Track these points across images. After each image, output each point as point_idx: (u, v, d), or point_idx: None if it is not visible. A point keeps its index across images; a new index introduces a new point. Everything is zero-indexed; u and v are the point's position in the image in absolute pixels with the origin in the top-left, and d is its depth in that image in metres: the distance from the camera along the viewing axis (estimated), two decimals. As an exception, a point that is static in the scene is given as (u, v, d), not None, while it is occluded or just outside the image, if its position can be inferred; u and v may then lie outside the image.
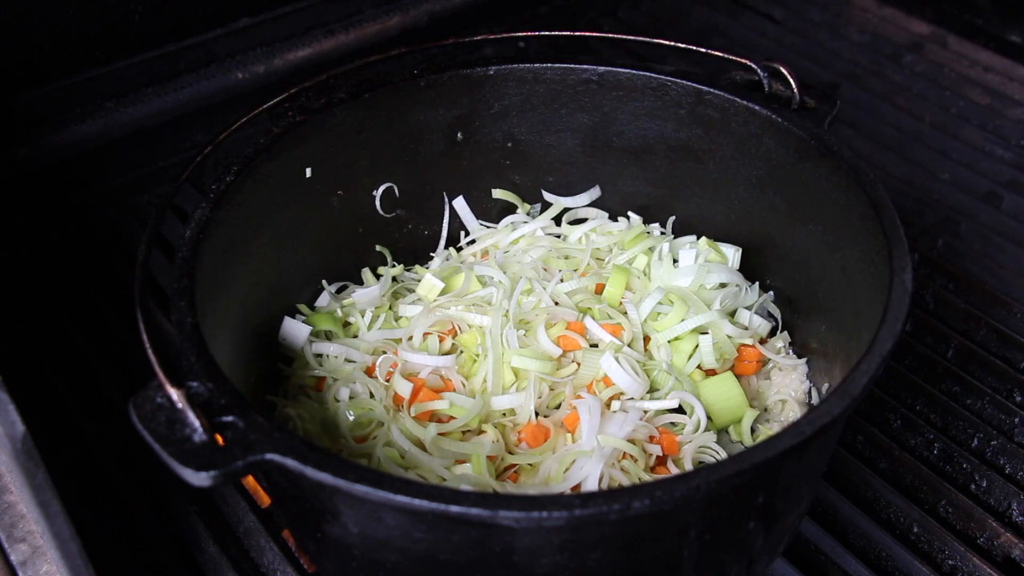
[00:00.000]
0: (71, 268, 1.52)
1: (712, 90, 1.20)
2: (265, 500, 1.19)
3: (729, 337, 1.18)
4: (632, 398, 1.11)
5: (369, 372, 1.16)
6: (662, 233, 1.34)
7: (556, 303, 1.21)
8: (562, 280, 1.24)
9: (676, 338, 1.18)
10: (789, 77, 1.16)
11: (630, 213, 1.36)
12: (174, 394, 0.80)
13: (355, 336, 1.22)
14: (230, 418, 0.80)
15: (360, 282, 1.31)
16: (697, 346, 1.17)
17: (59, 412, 1.30)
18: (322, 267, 1.26)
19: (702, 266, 1.23)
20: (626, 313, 1.20)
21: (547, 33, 1.30)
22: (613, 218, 1.37)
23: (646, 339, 1.20)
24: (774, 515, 0.92)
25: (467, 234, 1.38)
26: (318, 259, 1.25)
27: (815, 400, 1.19)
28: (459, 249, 1.37)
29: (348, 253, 1.29)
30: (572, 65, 1.25)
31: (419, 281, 1.28)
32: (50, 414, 1.30)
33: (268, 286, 1.16)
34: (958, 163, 1.75)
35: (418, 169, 1.30)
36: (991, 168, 1.73)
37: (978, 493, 1.23)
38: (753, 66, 1.18)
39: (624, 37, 1.26)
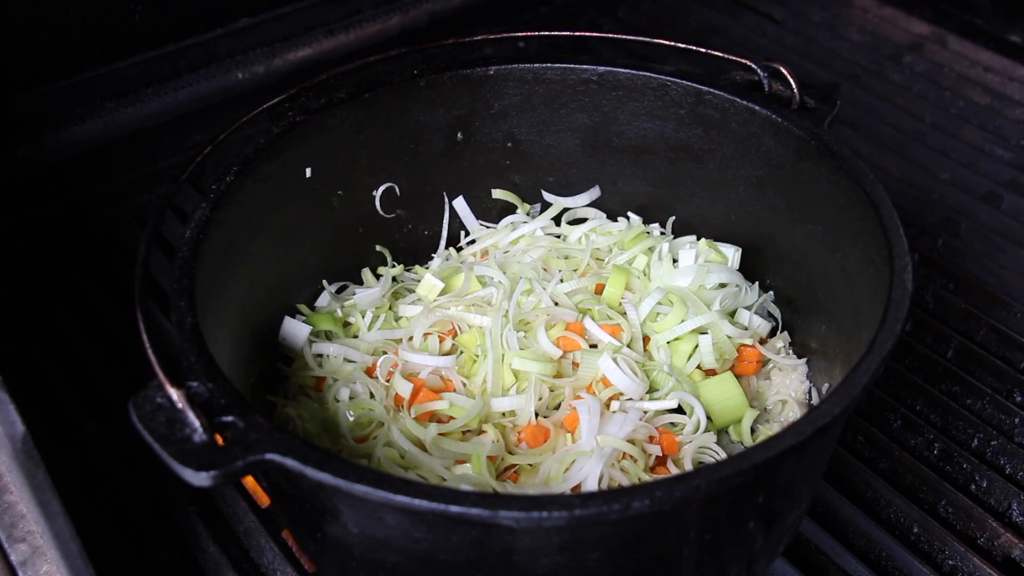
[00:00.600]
0: (71, 268, 1.52)
1: (712, 90, 1.20)
2: (265, 500, 1.19)
3: (729, 337, 1.18)
4: (631, 399, 1.11)
5: (369, 372, 1.16)
6: (662, 233, 1.34)
7: (556, 303, 1.21)
8: (562, 280, 1.24)
9: (676, 338, 1.18)
10: (789, 77, 1.16)
11: (630, 213, 1.36)
12: (174, 394, 0.80)
13: (355, 336, 1.22)
14: (230, 418, 0.80)
15: (360, 282, 1.31)
16: (697, 346, 1.17)
17: (59, 412, 1.30)
18: (322, 267, 1.26)
19: (702, 266, 1.23)
20: (625, 314, 1.20)
21: (547, 33, 1.30)
22: (613, 218, 1.37)
23: (646, 339, 1.20)
24: (774, 515, 0.92)
25: (467, 234, 1.38)
26: (318, 259, 1.25)
27: (815, 400, 1.19)
28: (459, 249, 1.37)
29: (348, 253, 1.29)
30: (572, 65, 1.25)
31: (419, 281, 1.28)
32: (50, 414, 1.30)
33: (268, 286, 1.16)
34: (958, 163, 1.75)
35: (418, 169, 1.30)
36: (991, 168, 1.73)
37: (978, 493, 1.23)
38: (753, 66, 1.18)
39: (624, 37, 1.26)
